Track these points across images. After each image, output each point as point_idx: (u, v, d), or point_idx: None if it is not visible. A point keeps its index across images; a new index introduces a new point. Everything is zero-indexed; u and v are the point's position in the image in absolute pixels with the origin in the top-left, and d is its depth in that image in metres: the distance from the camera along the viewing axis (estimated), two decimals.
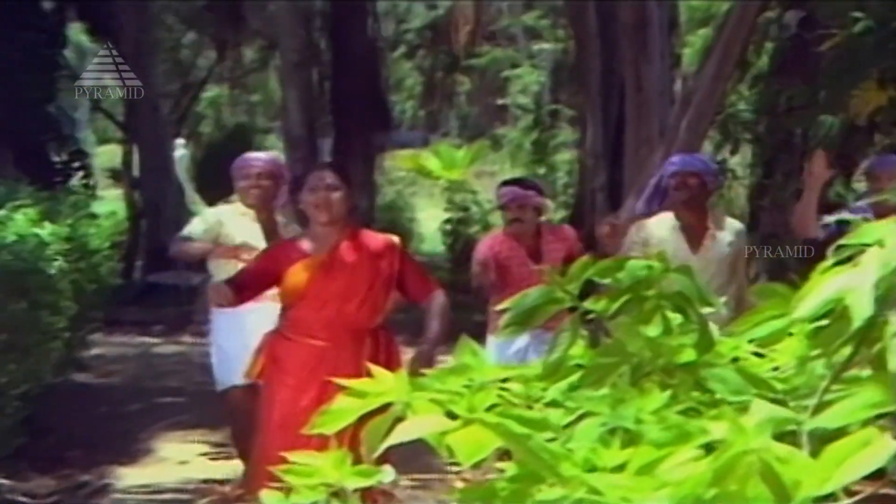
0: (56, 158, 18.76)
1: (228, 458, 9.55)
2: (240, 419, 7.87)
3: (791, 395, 2.50)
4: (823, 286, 2.14)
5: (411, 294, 6.95)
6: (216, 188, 22.94)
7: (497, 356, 8.55)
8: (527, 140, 26.04)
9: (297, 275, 6.65)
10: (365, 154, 20.18)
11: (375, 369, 2.45)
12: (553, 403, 3.06)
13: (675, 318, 3.07)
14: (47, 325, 8.68)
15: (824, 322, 2.21)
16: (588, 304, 3.10)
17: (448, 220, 23.88)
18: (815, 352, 2.32)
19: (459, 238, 23.17)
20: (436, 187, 27.17)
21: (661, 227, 8.34)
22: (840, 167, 12.72)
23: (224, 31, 24.66)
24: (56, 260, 8.81)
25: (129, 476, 9.43)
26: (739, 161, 16.10)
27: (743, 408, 2.49)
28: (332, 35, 20.97)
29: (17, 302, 7.93)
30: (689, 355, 3.10)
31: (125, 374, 13.58)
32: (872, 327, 2.11)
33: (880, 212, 7.88)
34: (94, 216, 11.77)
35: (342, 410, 2.52)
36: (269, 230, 8.19)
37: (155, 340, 16.29)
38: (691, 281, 3.11)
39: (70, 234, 9.65)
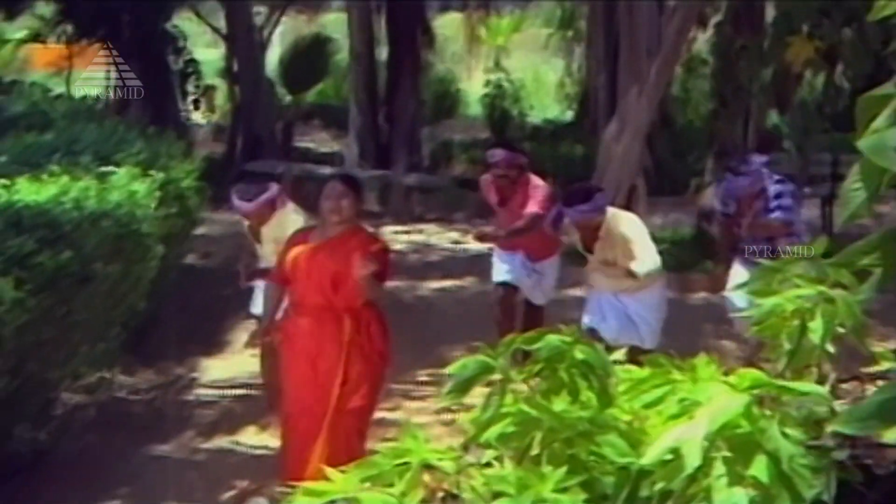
0: (174, 67, 18.81)
1: None
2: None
3: None
4: (667, 435, 2.52)
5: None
6: (298, 84, 23.53)
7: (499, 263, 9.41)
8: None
9: (293, 255, 6.81)
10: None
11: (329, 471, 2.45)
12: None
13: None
14: (138, 275, 8.66)
15: None
16: (514, 374, 3.67)
17: (486, 95, 24.16)
18: None
19: (495, 108, 23.64)
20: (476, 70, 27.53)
21: None
22: (777, 106, 13.15)
23: None
24: (149, 216, 8.77)
25: (212, 369, 9.64)
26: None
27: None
28: None
29: (114, 263, 8.00)
30: (584, 425, 3.67)
31: (221, 256, 13.22)
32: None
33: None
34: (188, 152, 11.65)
35: None
36: None
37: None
38: (595, 351, 3.67)
39: (165, 180, 9.61)
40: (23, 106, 12.31)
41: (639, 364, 8.29)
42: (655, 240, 8.63)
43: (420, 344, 10.23)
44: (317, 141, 22.40)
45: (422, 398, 9.19)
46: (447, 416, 8.39)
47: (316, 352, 6.68)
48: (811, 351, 3.04)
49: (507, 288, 9.37)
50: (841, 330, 3.08)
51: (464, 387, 3.77)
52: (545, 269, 9.40)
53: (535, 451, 3.60)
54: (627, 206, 12.45)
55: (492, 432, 3.74)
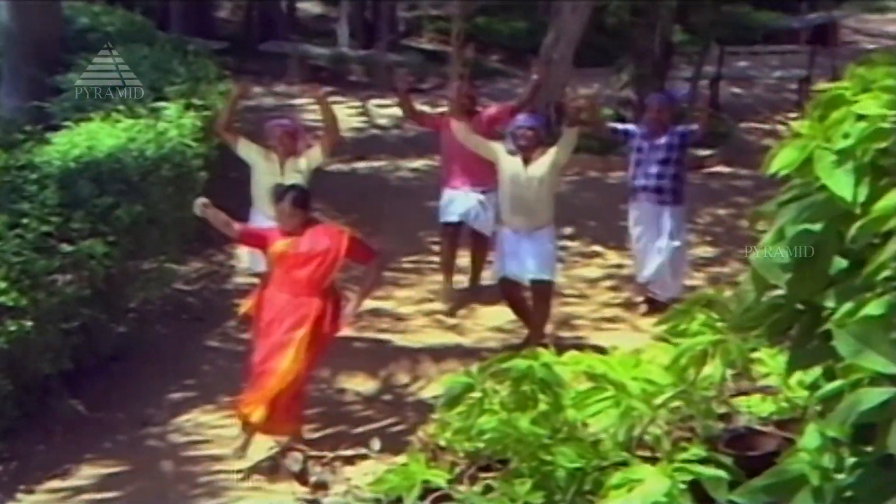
0: None
1: None
2: None
3: None
4: None
5: (359, 261, 7.03)
6: None
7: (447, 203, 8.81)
8: None
9: (277, 247, 6.64)
10: None
11: None
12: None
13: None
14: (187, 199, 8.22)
15: None
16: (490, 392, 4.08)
17: None
18: None
19: None
20: None
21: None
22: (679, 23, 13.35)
23: None
24: (196, 153, 8.79)
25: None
26: None
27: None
28: None
29: (172, 202, 8.17)
30: (543, 439, 4.09)
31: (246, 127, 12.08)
32: None
33: (651, 127, 8.49)
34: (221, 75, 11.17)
35: None
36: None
37: (261, 90, 15.40)
38: (551, 371, 4.09)
39: (206, 115, 9.45)
40: (87, 18, 12.00)
41: (540, 294, 8.74)
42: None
43: (404, 231, 10.29)
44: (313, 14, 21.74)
45: (408, 286, 9.26)
46: (427, 307, 8.97)
47: (283, 318, 6.58)
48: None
49: (454, 226, 8.86)
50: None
51: (452, 403, 4.30)
52: (489, 200, 8.62)
53: (512, 462, 4.16)
54: (558, 110, 12.75)
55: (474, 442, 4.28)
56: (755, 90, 15.64)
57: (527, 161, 7.71)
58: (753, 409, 4.43)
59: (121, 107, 9.00)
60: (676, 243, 8.50)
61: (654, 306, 8.42)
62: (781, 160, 2.68)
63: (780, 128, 14.25)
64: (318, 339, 6.61)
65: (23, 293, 6.45)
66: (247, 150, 8.09)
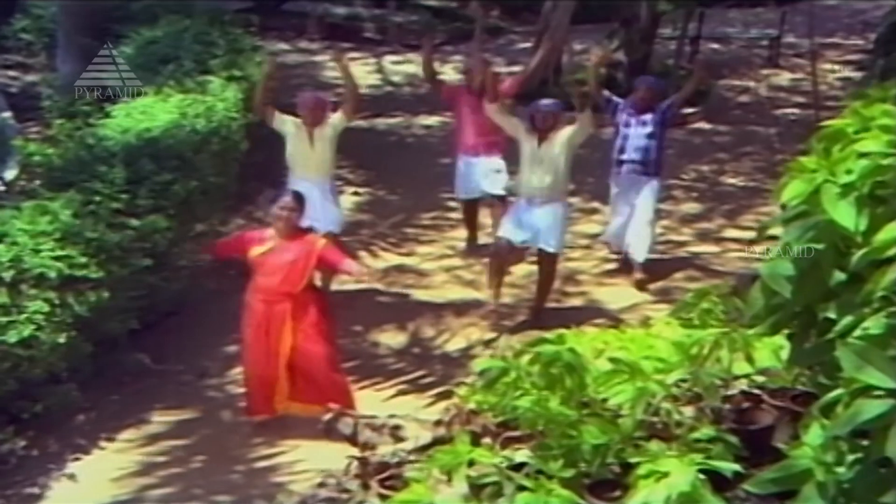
0: None
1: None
2: None
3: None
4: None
5: (332, 269, 7.01)
6: None
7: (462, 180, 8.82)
8: None
9: (255, 253, 6.55)
10: None
11: None
12: None
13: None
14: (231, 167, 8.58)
15: None
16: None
17: None
18: None
19: None
20: None
21: None
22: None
23: None
24: (239, 125, 8.71)
25: None
26: None
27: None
28: None
29: (220, 173, 8.25)
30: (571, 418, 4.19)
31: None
32: None
33: (637, 106, 8.51)
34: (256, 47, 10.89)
35: None
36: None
37: (286, 46, 15.16)
38: (574, 355, 4.20)
39: (246, 87, 9.21)
40: None
41: (543, 264, 8.74)
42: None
43: (421, 188, 10.27)
44: None
45: (429, 242, 9.27)
46: (447, 263, 9.06)
47: (267, 325, 6.52)
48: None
49: (472, 202, 8.94)
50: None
51: (490, 384, 4.37)
52: (500, 163, 8.65)
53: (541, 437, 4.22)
54: (556, 71, 12.71)
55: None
56: (731, 47, 15.52)
57: (542, 139, 7.71)
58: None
59: (171, 81, 8.92)
60: (648, 209, 8.55)
61: (628, 265, 8.64)
62: (791, 191, 2.73)
63: (753, 84, 14.23)
64: (312, 331, 6.53)
65: (100, 266, 6.52)
66: (281, 123, 8.10)
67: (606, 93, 8.86)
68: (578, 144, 7.88)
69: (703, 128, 12.66)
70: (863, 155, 2.67)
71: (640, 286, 8.43)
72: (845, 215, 2.54)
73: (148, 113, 8.29)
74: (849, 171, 2.64)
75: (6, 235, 6.40)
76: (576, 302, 8.28)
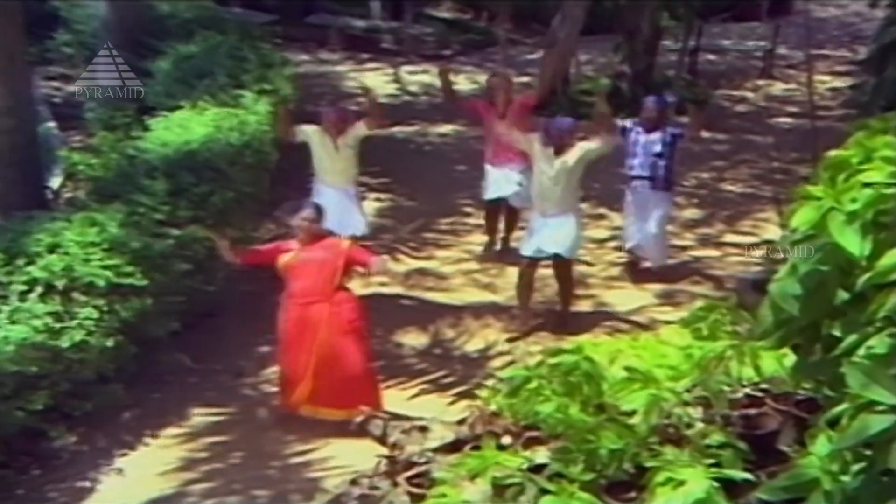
0: None
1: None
2: None
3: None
4: None
5: (361, 267, 6.86)
6: None
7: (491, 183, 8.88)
8: None
9: (286, 260, 6.60)
10: None
11: None
12: None
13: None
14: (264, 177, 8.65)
15: None
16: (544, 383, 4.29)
17: None
18: None
19: None
20: None
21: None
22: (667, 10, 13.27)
23: None
24: (270, 138, 8.72)
25: None
26: None
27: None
28: None
29: (254, 183, 8.37)
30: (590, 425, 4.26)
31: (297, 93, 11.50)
32: None
33: (646, 126, 8.56)
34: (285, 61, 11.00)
35: None
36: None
37: (307, 57, 15.16)
38: (591, 364, 4.32)
39: (276, 100, 9.27)
40: (167, 6, 11.60)
41: (558, 271, 8.84)
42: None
43: (439, 194, 10.34)
44: None
45: (447, 246, 9.32)
46: (465, 266, 9.10)
47: (302, 327, 6.56)
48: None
49: (495, 202, 8.99)
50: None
51: (514, 392, 4.47)
52: (523, 176, 8.58)
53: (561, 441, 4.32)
54: (564, 82, 12.79)
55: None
56: (727, 58, 15.58)
57: (557, 154, 7.75)
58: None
59: (206, 96, 9.02)
60: (660, 221, 8.70)
61: (637, 268, 8.83)
62: (800, 218, 2.80)
63: (749, 95, 14.30)
64: (349, 329, 6.57)
65: (144, 274, 6.65)
66: (303, 135, 8.39)
67: (620, 122, 8.89)
68: (593, 161, 7.95)
69: (702, 136, 12.69)
70: (867, 185, 2.78)
71: (640, 279, 8.65)
72: (851, 241, 2.62)
73: (185, 126, 8.40)
74: (854, 200, 2.72)
75: (58, 246, 6.55)
76: (585, 304, 8.38)
